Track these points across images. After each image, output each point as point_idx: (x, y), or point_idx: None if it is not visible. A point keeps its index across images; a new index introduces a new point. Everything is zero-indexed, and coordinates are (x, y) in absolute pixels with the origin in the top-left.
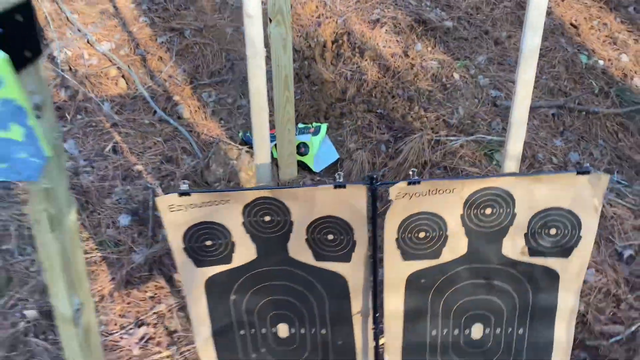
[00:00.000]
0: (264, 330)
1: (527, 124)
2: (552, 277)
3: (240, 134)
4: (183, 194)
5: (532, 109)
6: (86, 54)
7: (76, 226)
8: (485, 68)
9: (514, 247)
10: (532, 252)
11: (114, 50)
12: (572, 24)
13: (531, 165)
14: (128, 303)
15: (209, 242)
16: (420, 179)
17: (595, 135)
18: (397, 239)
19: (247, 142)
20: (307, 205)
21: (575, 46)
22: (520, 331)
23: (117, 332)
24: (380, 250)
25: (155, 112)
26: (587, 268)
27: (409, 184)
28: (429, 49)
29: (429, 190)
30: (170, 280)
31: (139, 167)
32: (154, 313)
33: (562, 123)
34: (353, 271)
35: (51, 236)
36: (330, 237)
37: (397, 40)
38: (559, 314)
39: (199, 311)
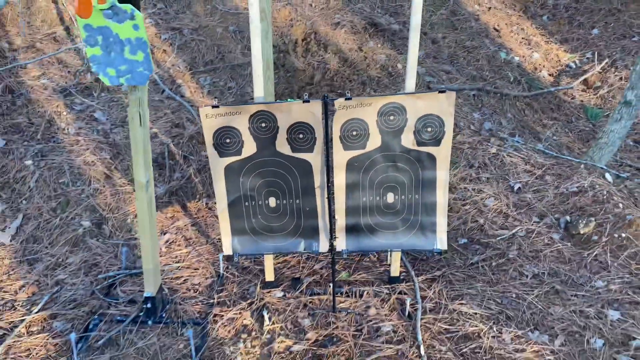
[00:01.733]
0: (260, 202)
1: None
2: (432, 159)
3: None
4: (214, 106)
5: (457, 91)
6: None
7: (148, 127)
8: (423, 60)
9: (407, 140)
10: (419, 143)
11: None
12: (495, 28)
13: (453, 130)
14: None
15: (228, 140)
16: (351, 96)
17: (505, 111)
18: (340, 136)
19: None
20: (287, 115)
21: (497, 45)
22: (416, 197)
23: None
24: (330, 143)
25: (163, 91)
26: (487, 198)
27: (346, 99)
28: (379, 45)
29: (357, 104)
30: (184, 207)
31: (155, 130)
32: (174, 227)
33: (481, 101)
34: (315, 158)
35: (140, 129)
36: (301, 135)
37: (353, 39)
38: (438, 184)
39: (220, 189)
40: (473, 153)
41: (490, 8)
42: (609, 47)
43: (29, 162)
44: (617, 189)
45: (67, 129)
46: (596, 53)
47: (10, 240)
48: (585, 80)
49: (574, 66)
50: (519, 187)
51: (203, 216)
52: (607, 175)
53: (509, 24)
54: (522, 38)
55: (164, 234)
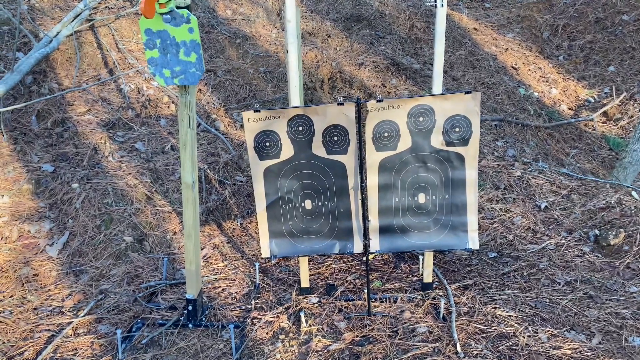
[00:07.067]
0: (297, 205)
1: None
2: (461, 159)
3: None
4: (256, 111)
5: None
6: (144, 87)
7: (196, 129)
8: None
9: (437, 140)
10: (447, 143)
11: None
12: (513, 67)
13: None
14: None
15: (267, 143)
16: (382, 98)
17: (528, 140)
18: (372, 137)
19: None
20: (322, 118)
21: (516, 82)
22: (447, 197)
23: None
24: (363, 146)
25: (199, 124)
26: (515, 216)
27: (377, 101)
28: (401, 82)
29: (388, 106)
30: (220, 226)
31: None
32: (211, 244)
33: (503, 131)
34: (349, 159)
35: (188, 130)
36: (335, 138)
37: (377, 77)
38: (468, 184)
39: (259, 190)
40: (498, 176)
41: (507, 49)
42: (626, 82)
43: (75, 185)
44: None
45: (110, 157)
46: (614, 88)
47: (57, 254)
48: (605, 113)
49: (593, 100)
50: (546, 206)
51: (238, 234)
52: (634, 194)
53: (526, 63)
54: (540, 76)
55: (202, 249)
